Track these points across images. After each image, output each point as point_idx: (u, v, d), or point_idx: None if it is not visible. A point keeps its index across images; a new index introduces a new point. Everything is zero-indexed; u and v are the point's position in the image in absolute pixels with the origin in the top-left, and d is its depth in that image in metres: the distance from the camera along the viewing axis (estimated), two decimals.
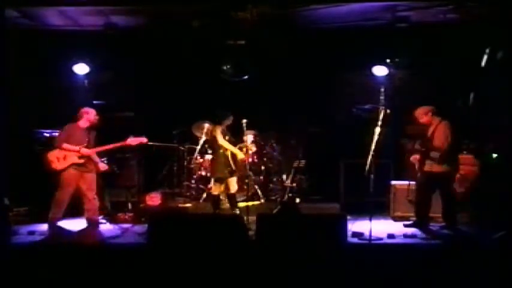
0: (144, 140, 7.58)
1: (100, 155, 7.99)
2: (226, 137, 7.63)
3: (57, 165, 7.26)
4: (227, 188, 7.71)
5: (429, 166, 7.02)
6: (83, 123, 7.41)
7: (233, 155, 7.58)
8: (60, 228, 7.26)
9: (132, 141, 7.50)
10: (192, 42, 8.34)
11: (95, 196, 7.47)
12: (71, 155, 7.27)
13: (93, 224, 7.44)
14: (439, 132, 6.99)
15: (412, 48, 8.11)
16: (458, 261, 5.65)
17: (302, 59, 8.78)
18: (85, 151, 7.31)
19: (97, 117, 7.45)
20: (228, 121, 7.69)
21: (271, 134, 8.96)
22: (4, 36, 6.83)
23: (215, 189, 7.74)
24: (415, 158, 7.24)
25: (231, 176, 7.62)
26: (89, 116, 7.41)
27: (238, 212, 7.59)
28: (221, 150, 7.57)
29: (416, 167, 7.21)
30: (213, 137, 7.66)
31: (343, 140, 8.80)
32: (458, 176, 7.62)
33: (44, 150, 7.50)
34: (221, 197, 8.06)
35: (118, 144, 7.51)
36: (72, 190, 7.32)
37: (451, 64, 8.32)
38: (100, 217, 7.88)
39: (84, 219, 7.51)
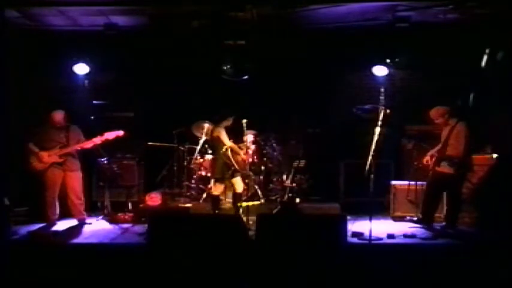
0: (120, 133, 7.60)
1: (101, 155, 8.01)
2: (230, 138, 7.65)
3: (37, 165, 7.32)
4: (233, 187, 7.72)
5: (443, 168, 7.04)
6: (52, 124, 7.47)
7: (234, 155, 7.58)
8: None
9: (109, 135, 7.54)
10: (192, 42, 8.35)
11: (79, 198, 7.56)
12: (51, 154, 7.32)
13: (80, 223, 7.55)
14: (454, 138, 7.01)
15: (412, 48, 8.11)
16: (459, 261, 5.65)
17: (302, 59, 8.77)
18: (43, 154, 7.31)
19: (59, 123, 7.44)
20: (228, 122, 7.69)
21: (271, 134, 8.95)
22: (4, 36, 6.84)
23: (215, 189, 7.75)
24: (428, 158, 7.25)
25: (233, 177, 7.62)
26: (50, 120, 7.46)
27: (240, 211, 7.58)
28: (222, 151, 7.58)
29: (430, 167, 7.22)
30: (216, 138, 7.65)
31: (343, 140, 8.81)
32: None
33: None
34: (221, 197, 8.08)
35: (96, 140, 7.52)
36: (58, 189, 7.42)
37: (451, 64, 8.32)
38: (100, 217, 7.91)
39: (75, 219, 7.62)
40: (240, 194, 7.73)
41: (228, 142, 7.56)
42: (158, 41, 8.48)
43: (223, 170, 7.58)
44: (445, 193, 7.36)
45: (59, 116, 7.47)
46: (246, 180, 7.85)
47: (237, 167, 7.57)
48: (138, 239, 6.73)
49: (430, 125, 7.58)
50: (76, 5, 7.26)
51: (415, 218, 7.49)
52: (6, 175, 6.87)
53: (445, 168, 7.05)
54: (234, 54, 8.14)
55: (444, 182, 7.13)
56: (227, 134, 7.70)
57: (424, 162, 7.33)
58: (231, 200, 8.17)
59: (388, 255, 6.10)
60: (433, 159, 7.20)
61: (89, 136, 7.59)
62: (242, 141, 7.85)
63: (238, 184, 7.69)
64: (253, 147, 8.45)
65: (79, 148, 7.51)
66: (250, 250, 5.58)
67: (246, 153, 7.68)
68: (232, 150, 7.58)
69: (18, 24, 7.68)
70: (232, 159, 7.54)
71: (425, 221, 7.23)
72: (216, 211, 7.66)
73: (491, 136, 8.04)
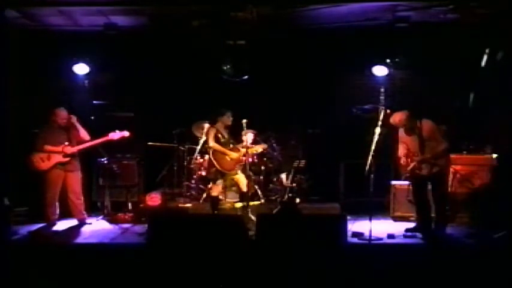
0: (126, 134, 7.65)
1: (101, 155, 8.02)
2: (223, 138, 7.61)
3: (42, 166, 7.32)
4: (239, 187, 7.73)
5: (423, 169, 6.84)
6: (54, 124, 7.47)
7: (221, 155, 7.56)
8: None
9: (114, 135, 7.58)
10: (192, 42, 8.35)
11: (79, 198, 7.57)
12: (55, 154, 7.33)
13: (80, 223, 7.57)
14: (430, 137, 6.78)
15: (412, 48, 8.11)
16: (458, 261, 5.66)
17: (302, 59, 8.77)
18: (69, 149, 7.38)
19: (64, 120, 7.47)
20: (226, 120, 7.66)
21: (271, 134, 8.94)
22: (4, 36, 6.84)
23: (214, 190, 7.73)
24: (404, 159, 6.97)
25: (217, 178, 7.61)
26: (55, 118, 7.47)
27: (249, 211, 7.54)
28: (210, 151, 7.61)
29: (408, 169, 6.94)
30: (207, 138, 7.68)
31: (343, 140, 8.79)
32: (458, 176, 7.64)
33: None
34: (220, 197, 8.06)
35: (100, 140, 7.58)
36: (59, 189, 7.42)
37: (451, 64, 8.31)
38: (100, 217, 7.92)
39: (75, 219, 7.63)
40: (245, 193, 7.67)
41: (210, 142, 7.56)
42: (158, 41, 8.48)
43: (213, 171, 7.62)
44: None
45: (63, 113, 7.48)
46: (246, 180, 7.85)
47: (218, 167, 7.57)
48: (138, 239, 6.74)
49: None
50: (76, 5, 7.26)
51: (411, 227, 7.14)
52: (6, 175, 6.87)
53: (422, 170, 6.83)
54: (234, 54, 8.14)
55: (423, 183, 6.94)
56: (226, 132, 7.70)
57: (402, 163, 7.01)
58: (231, 200, 8.18)
59: (388, 255, 6.10)
60: (413, 163, 6.87)
61: (90, 136, 7.60)
62: (242, 141, 7.85)
63: (241, 183, 7.65)
64: (259, 148, 8.37)
65: (83, 148, 7.53)
66: (250, 250, 5.58)
67: (246, 153, 7.64)
68: (215, 150, 7.58)
69: (18, 24, 7.68)
70: (214, 160, 7.55)
71: (422, 227, 6.97)
72: (215, 212, 7.64)
73: (491, 136, 8.03)
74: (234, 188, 8.23)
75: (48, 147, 7.36)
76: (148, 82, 9.08)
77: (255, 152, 8.15)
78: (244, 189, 7.68)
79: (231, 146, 7.77)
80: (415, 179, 7.00)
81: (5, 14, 6.91)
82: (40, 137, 7.45)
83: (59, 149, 7.36)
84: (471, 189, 7.63)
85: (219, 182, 7.69)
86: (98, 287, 5.51)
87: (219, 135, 7.68)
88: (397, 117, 6.93)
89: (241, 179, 7.69)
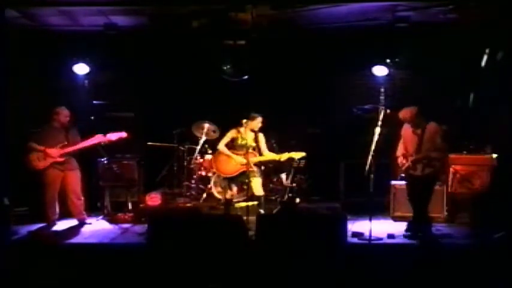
0: (123, 135, 7.62)
1: (101, 155, 8.01)
2: (243, 140, 7.60)
3: (39, 165, 7.30)
4: (252, 190, 7.67)
5: (416, 170, 6.81)
6: (55, 123, 7.46)
7: (219, 159, 7.56)
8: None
9: (112, 136, 7.55)
10: (192, 42, 8.35)
11: (79, 198, 7.56)
12: (58, 151, 7.32)
13: (80, 223, 7.56)
14: (429, 139, 6.75)
15: (412, 48, 8.11)
16: (458, 261, 5.66)
17: (302, 59, 8.77)
18: (53, 152, 7.31)
19: (67, 118, 7.48)
20: (255, 124, 7.66)
21: (271, 134, 8.93)
22: (4, 36, 6.84)
23: (228, 193, 7.71)
24: (402, 158, 6.96)
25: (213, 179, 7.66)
26: (58, 117, 7.46)
27: (262, 211, 7.51)
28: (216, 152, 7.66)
29: (403, 169, 6.97)
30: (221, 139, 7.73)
31: (343, 140, 8.79)
32: (458, 176, 7.64)
33: None
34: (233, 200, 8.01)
35: (97, 141, 7.53)
36: (57, 188, 7.41)
37: (451, 64, 8.31)
38: (100, 217, 7.92)
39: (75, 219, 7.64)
40: (257, 197, 7.59)
41: (220, 144, 7.61)
42: (158, 41, 8.49)
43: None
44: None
45: (66, 111, 7.48)
46: (246, 180, 7.83)
47: (215, 169, 7.58)
48: (138, 239, 6.74)
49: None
50: (76, 5, 7.27)
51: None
52: (6, 175, 6.87)
53: (416, 170, 6.81)
54: (234, 54, 8.14)
55: (417, 183, 6.91)
56: (249, 135, 7.69)
57: (399, 163, 7.00)
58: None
59: (388, 255, 6.10)
60: (408, 163, 6.84)
61: (89, 137, 7.59)
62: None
63: (255, 187, 7.58)
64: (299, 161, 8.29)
65: (78, 148, 7.50)
66: (250, 250, 5.59)
67: (247, 160, 7.50)
68: (220, 153, 7.57)
69: (18, 24, 7.68)
70: (214, 162, 7.58)
71: (421, 227, 6.90)
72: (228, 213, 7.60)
73: (491, 136, 8.03)
74: (234, 188, 8.21)
75: (33, 145, 7.31)
76: (148, 82, 9.09)
77: (294, 157, 7.86)
78: (257, 193, 7.59)
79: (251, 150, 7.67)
80: (410, 178, 7.01)
81: (5, 14, 6.91)
82: (34, 135, 7.43)
83: (41, 148, 7.31)
84: (471, 189, 7.63)
85: (233, 186, 7.72)
86: (98, 287, 5.51)
87: (239, 137, 7.64)
88: (407, 113, 6.90)
89: (255, 183, 7.60)
